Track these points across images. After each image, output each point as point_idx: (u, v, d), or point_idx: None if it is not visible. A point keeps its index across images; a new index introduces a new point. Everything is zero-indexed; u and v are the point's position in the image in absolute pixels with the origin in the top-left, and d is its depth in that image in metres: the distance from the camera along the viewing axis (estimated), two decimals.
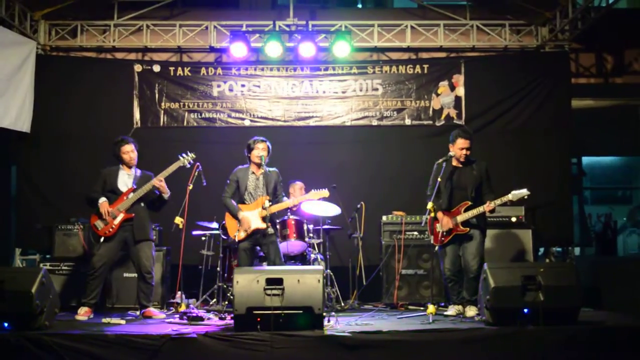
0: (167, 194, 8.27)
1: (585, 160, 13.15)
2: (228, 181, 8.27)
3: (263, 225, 7.92)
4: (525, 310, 6.62)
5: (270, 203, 7.93)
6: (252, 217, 8.01)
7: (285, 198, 8.32)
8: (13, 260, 10.53)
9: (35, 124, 10.56)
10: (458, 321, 7.43)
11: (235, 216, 8.11)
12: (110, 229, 8.03)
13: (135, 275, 8.43)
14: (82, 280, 8.13)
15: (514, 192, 7.73)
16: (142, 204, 8.25)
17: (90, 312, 7.92)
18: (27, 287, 6.56)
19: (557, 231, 10.49)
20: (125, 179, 8.28)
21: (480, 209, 7.79)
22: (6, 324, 6.52)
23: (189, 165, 8.30)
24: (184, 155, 8.34)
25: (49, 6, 10.70)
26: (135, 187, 8.22)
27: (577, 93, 11.13)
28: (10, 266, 10.23)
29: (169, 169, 8.23)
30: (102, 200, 8.09)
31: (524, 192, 7.73)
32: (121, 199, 8.13)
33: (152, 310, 8.20)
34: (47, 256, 9.92)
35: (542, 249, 10.62)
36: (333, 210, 9.16)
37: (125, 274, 8.95)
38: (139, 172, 8.39)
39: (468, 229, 7.86)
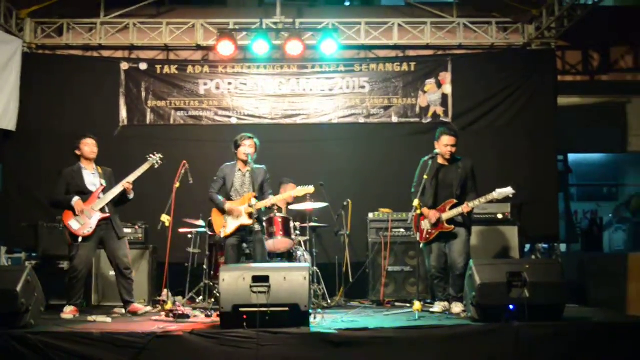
0: (131, 195, 8.26)
1: (572, 157, 13.18)
2: (215, 178, 8.30)
3: (249, 222, 7.93)
4: (511, 307, 6.65)
5: (256, 200, 7.94)
6: (240, 210, 8.03)
7: (271, 195, 8.32)
8: None
9: (21, 122, 10.54)
10: (444, 318, 7.46)
11: (222, 209, 8.14)
12: (89, 229, 7.98)
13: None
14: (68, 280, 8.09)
15: (498, 190, 7.75)
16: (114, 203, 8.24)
17: (76, 310, 7.89)
18: (12, 286, 6.55)
19: (543, 228, 10.51)
20: (91, 178, 8.22)
21: (459, 210, 7.81)
22: None
23: (157, 166, 8.29)
24: (151, 156, 8.36)
25: (35, 4, 10.66)
26: (104, 184, 8.20)
27: (564, 90, 11.17)
28: None
29: (139, 170, 8.21)
30: (77, 199, 8.00)
31: (508, 190, 7.74)
32: (93, 199, 8.08)
33: (137, 305, 8.19)
34: (33, 254, 9.89)
35: (528, 246, 10.65)
36: (319, 205, 9.15)
37: (111, 272, 8.90)
38: (99, 168, 8.35)
39: (453, 227, 7.88)
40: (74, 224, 7.97)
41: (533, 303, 6.58)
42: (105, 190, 8.15)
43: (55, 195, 8.16)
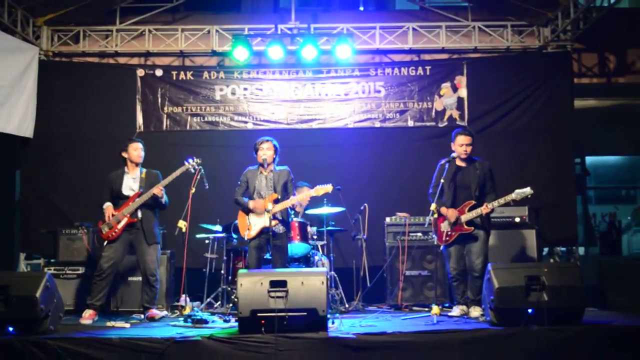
0: (164, 199, 8.30)
1: (589, 159, 13.14)
2: (239, 182, 8.38)
3: (269, 223, 7.94)
4: (530, 311, 6.61)
5: (275, 203, 7.99)
6: (261, 214, 8.07)
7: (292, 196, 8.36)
8: (18, 265, 10.56)
9: (38, 129, 10.62)
10: (462, 322, 7.41)
11: (246, 209, 8.18)
12: (114, 233, 8.06)
13: (140, 278, 8.45)
14: (86, 284, 8.14)
15: (517, 190, 7.73)
16: (148, 208, 8.27)
17: (94, 315, 7.92)
18: (31, 292, 6.59)
19: (561, 231, 10.46)
20: (130, 183, 8.29)
21: (479, 211, 7.79)
22: (11, 329, 6.54)
23: (193, 171, 8.30)
24: (189, 160, 8.32)
25: (51, 12, 10.73)
26: (141, 190, 8.23)
27: (580, 93, 11.14)
28: (14, 271, 10.28)
29: (174, 174, 8.23)
30: (107, 204, 8.14)
31: (527, 190, 7.72)
32: (127, 204, 8.16)
33: (155, 310, 8.22)
34: (52, 260, 9.93)
35: (546, 249, 10.59)
36: (336, 208, 9.15)
37: (130, 278, 8.95)
38: (144, 173, 8.40)
39: (472, 228, 7.86)
40: (103, 228, 8.10)
41: (552, 307, 6.54)
42: (140, 196, 8.19)
43: (100, 200, 8.27)
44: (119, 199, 8.20)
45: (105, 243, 8.08)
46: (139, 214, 8.18)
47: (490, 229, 8.13)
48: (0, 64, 9.80)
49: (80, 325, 7.60)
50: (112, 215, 8.07)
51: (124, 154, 8.36)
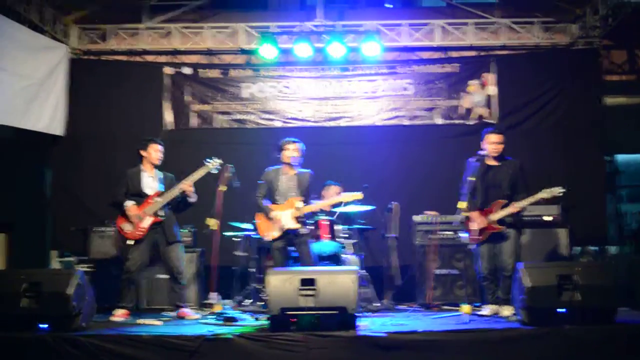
0: (193, 198, 8.29)
1: (620, 158, 12.96)
2: (259, 182, 8.31)
3: (296, 226, 7.94)
4: (562, 310, 6.56)
5: (302, 204, 7.97)
6: (284, 216, 8.04)
7: (317, 200, 8.32)
8: (49, 263, 10.64)
9: (68, 127, 10.72)
10: (493, 321, 7.37)
11: (267, 214, 8.16)
12: (139, 233, 8.06)
13: (168, 276, 8.48)
14: (117, 282, 8.18)
15: (545, 189, 7.67)
16: (169, 207, 8.29)
17: (127, 314, 7.97)
18: (63, 289, 6.65)
19: (593, 230, 10.40)
20: (149, 182, 8.28)
21: (509, 210, 7.74)
22: (44, 325, 6.59)
23: (215, 171, 8.28)
24: (209, 160, 8.30)
25: (79, 10, 10.81)
26: (161, 189, 8.26)
27: (610, 90, 11.04)
28: (47, 268, 10.36)
29: (196, 174, 8.21)
30: (131, 203, 8.09)
31: (556, 189, 7.65)
32: (147, 202, 8.14)
33: (186, 310, 8.23)
34: (84, 258, 10.00)
35: (577, 248, 10.50)
36: (365, 207, 9.13)
37: (158, 275, 8.98)
38: (160, 173, 8.42)
39: (503, 227, 7.80)
40: (126, 227, 8.08)
41: (584, 306, 6.50)
42: (161, 195, 8.20)
43: (115, 195, 8.24)
44: (138, 197, 8.17)
45: (131, 243, 8.07)
46: (163, 213, 8.21)
47: (523, 227, 8.07)
48: (30, 62, 9.86)
49: (111, 322, 7.65)
50: (135, 215, 8.07)
51: (143, 152, 8.32)
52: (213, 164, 8.27)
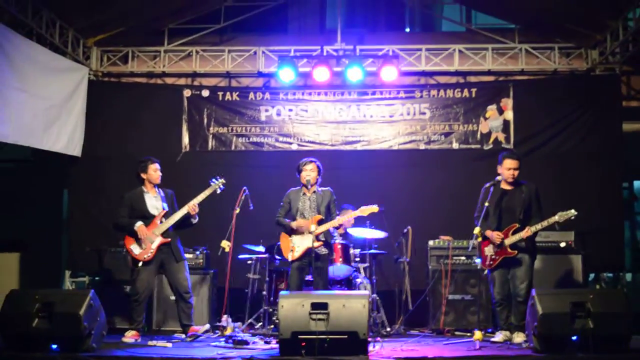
0: (195, 219, 8.34)
1: (637, 184, 12.89)
2: (282, 203, 8.42)
3: (315, 244, 7.93)
4: (574, 338, 6.50)
5: (319, 224, 7.99)
6: (305, 235, 8.07)
7: (337, 217, 8.36)
8: (63, 283, 10.71)
9: (86, 148, 10.77)
10: (505, 348, 7.33)
11: (289, 230, 8.23)
12: (149, 253, 8.10)
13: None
14: (129, 303, 8.21)
15: (560, 213, 7.62)
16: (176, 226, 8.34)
17: (137, 335, 7.99)
18: (75, 310, 6.70)
19: (608, 256, 10.26)
20: (153, 202, 8.35)
21: (522, 235, 7.70)
22: (54, 346, 6.63)
23: (219, 191, 8.33)
24: (214, 180, 8.36)
25: (101, 33, 10.92)
26: (166, 209, 8.29)
27: (629, 116, 10.94)
28: (60, 288, 10.43)
29: (202, 195, 8.27)
30: (139, 224, 8.13)
31: (571, 212, 7.60)
32: (154, 223, 8.20)
33: (196, 327, 8.26)
34: (96, 278, 10.06)
35: (592, 275, 10.41)
36: (380, 233, 9.13)
37: (172, 296, 9.00)
38: (161, 191, 8.48)
39: (516, 252, 7.75)
40: (135, 249, 8.11)
41: (597, 334, 6.43)
42: (166, 215, 8.24)
43: (118, 218, 8.31)
44: (144, 219, 8.22)
45: (140, 264, 8.11)
46: (170, 233, 8.25)
47: (536, 253, 8.02)
48: (51, 84, 9.95)
49: (122, 343, 7.68)
50: (147, 236, 8.11)
51: (143, 175, 8.39)
52: (218, 184, 8.33)
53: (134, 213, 8.25)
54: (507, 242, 7.77)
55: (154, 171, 8.39)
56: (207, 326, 8.39)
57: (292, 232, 8.28)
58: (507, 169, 7.93)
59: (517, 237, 7.74)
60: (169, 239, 8.20)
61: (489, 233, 7.86)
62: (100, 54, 11.33)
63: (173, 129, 11.15)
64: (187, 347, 7.47)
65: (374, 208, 8.23)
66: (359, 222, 8.91)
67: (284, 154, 10.95)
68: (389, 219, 9.15)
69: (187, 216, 8.27)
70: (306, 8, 12.29)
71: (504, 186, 8.00)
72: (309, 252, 8.09)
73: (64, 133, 10.28)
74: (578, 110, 10.77)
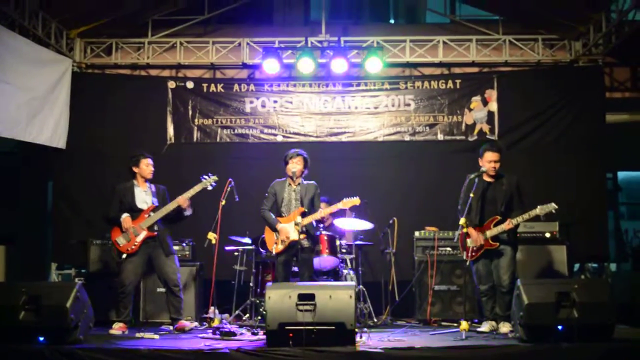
0: (189, 212, 8.34)
1: (621, 175, 12.99)
2: (266, 194, 8.38)
3: (297, 237, 7.94)
4: (559, 327, 6.55)
5: (302, 217, 7.99)
6: (289, 228, 8.07)
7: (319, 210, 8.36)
8: (49, 275, 10.67)
9: (70, 140, 10.72)
10: (491, 338, 7.35)
11: (273, 228, 8.18)
12: (133, 246, 8.10)
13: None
14: (116, 295, 8.20)
15: (540, 206, 7.67)
16: (162, 220, 8.33)
17: (124, 327, 7.99)
18: (62, 302, 6.66)
19: (593, 247, 10.35)
20: (142, 196, 8.34)
21: (503, 227, 7.74)
22: (41, 338, 6.60)
23: (210, 188, 8.33)
24: (205, 177, 8.37)
25: (84, 24, 10.85)
26: (156, 204, 8.29)
27: (612, 107, 11.02)
28: (46, 281, 10.39)
29: (192, 190, 8.28)
30: (125, 215, 8.14)
31: (551, 206, 7.65)
32: (142, 217, 8.20)
33: (184, 322, 8.26)
34: (83, 270, 10.02)
35: (577, 265, 10.49)
36: (365, 225, 9.15)
37: (159, 289, 9.01)
38: (153, 187, 8.46)
39: (498, 244, 7.81)
40: (120, 240, 8.12)
41: (582, 323, 6.48)
42: (156, 209, 8.23)
43: (109, 212, 8.30)
44: (132, 212, 8.22)
45: (124, 256, 8.11)
46: (156, 228, 8.24)
47: (519, 243, 8.06)
48: (34, 76, 9.89)
49: (109, 335, 7.67)
50: (131, 228, 8.11)
51: (135, 169, 8.38)
52: (209, 181, 8.32)
53: (123, 206, 8.24)
54: (489, 234, 7.82)
55: (146, 166, 8.38)
56: (195, 324, 8.37)
57: (275, 229, 8.26)
58: (488, 161, 7.94)
59: (498, 229, 7.79)
60: (155, 233, 8.19)
61: (471, 231, 7.87)
62: (83, 46, 11.27)
63: (158, 120, 11.11)
64: (175, 339, 7.45)
65: (356, 201, 8.23)
66: (345, 213, 8.93)
67: (269, 145, 10.94)
68: (374, 210, 9.18)
69: (179, 210, 8.26)
70: None
71: (486, 178, 8.02)
72: (293, 244, 8.09)
73: (47, 125, 10.22)
74: (562, 101, 10.82)
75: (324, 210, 8.33)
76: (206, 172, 8.48)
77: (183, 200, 8.20)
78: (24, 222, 11.40)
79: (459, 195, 8.11)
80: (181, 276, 8.50)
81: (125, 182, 8.42)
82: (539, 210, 7.68)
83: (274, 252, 8.20)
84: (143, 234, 8.15)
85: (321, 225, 8.86)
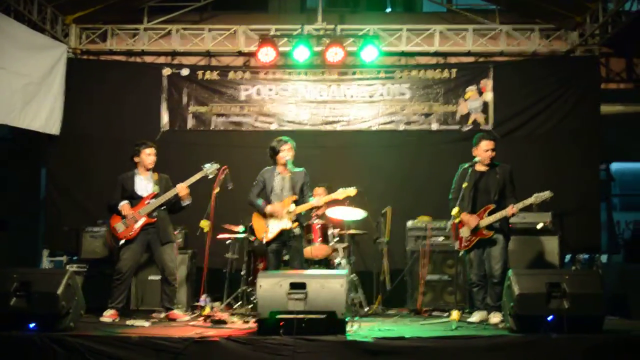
0: (188, 201, 8.33)
1: (615, 166, 12.99)
2: (255, 182, 8.35)
3: (289, 225, 7.94)
4: (550, 318, 6.57)
5: (295, 205, 7.98)
6: (281, 210, 8.07)
7: (311, 198, 8.32)
8: (41, 262, 10.68)
9: (64, 126, 10.72)
10: (482, 328, 7.38)
11: (262, 212, 8.18)
12: (131, 233, 8.11)
13: (160, 277, 8.50)
14: (107, 282, 8.21)
15: (536, 194, 7.68)
16: (163, 207, 8.31)
17: (116, 315, 7.99)
18: (53, 289, 6.67)
19: (585, 238, 10.36)
20: (143, 184, 8.35)
21: (503, 213, 7.74)
22: (32, 325, 6.60)
23: (211, 176, 8.31)
24: (207, 165, 8.35)
25: (80, 10, 10.83)
26: (156, 191, 8.29)
27: (607, 98, 11.00)
28: (37, 267, 10.40)
29: (193, 178, 8.27)
30: (124, 202, 8.16)
31: (546, 194, 7.67)
32: (142, 204, 8.21)
33: (176, 312, 8.26)
34: (74, 258, 10.02)
35: (568, 256, 10.49)
36: (359, 214, 9.14)
37: (150, 277, 9.01)
38: (155, 175, 8.46)
39: (492, 232, 7.82)
40: (118, 227, 8.13)
41: (572, 314, 6.50)
42: (156, 197, 8.24)
43: (111, 200, 8.31)
44: (132, 199, 8.24)
45: (121, 243, 8.13)
46: (156, 214, 8.24)
47: (510, 233, 8.07)
48: (29, 61, 9.86)
49: (100, 323, 7.68)
50: (128, 215, 8.11)
51: (136, 159, 8.39)
52: (210, 169, 8.30)
53: (124, 194, 8.27)
54: (483, 223, 7.82)
55: (147, 155, 8.37)
56: (187, 317, 8.35)
57: (265, 215, 8.25)
58: (485, 150, 7.95)
59: (492, 218, 7.79)
60: (154, 219, 8.19)
61: (464, 216, 7.89)
62: (79, 32, 11.25)
63: (152, 107, 11.10)
64: (165, 327, 7.47)
65: (352, 191, 8.20)
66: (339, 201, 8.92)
67: (264, 133, 10.88)
68: (368, 199, 9.16)
69: (178, 199, 8.26)
70: None
71: (479, 168, 8.03)
72: (282, 232, 8.09)
73: (42, 111, 10.21)
74: (557, 91, 10.81)
75: (320, 199, 8.31)
76: (200, 160, 8.46)
77: (182, 188, 8.19)
78: (16, 208, 11.38)
79: (452, 185, 8.13)
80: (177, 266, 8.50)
81: (127, 171, 8.42)
82: (534, 199, 7.70)
83: (264, 241, 8.15)
84: (142, 221, 8.15)
85: (313, 215, 8.84)
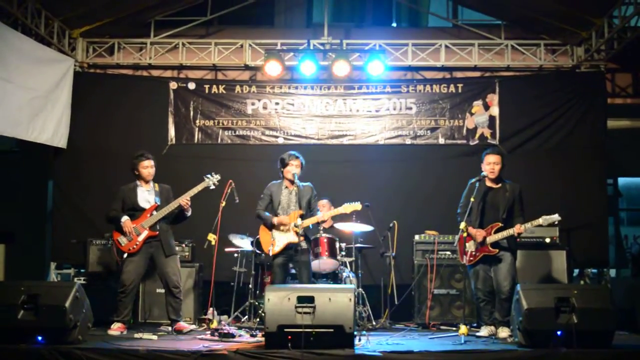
0: (189, 212, 8.33)
1: (622, 181, 12.97)
2: (262, 195, 8.35)
3: (296, 239, 7.94)
4: (559, 333, 6.55)
5: (302, 219, 7.98)
6: (286, 230, 8.07)
7: (318, 212, 8.33)
8: (48, 275, 10.66)
9: (71, 140, 10.73)
10: (490, 342, 7.36)
11: (269, 225, 8.17)
12: (135, 246, 8.11)
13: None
14: (115, 295, 8.19)
15: (544, 216, 7.67)
16: (165, 220, 8.32)
17: (123, 327, 7.98)
18: (61, 302, 6.67)
19: (592, 252, 10.36)
20: (145, 196, 8.35)
21: (510, 232, 7.74)
22: (40, 338, 6.60)
23: (213, 187, 8.33)
24: (209, 176, 8.37)
25: (87, 24, 10.86)
26: (158, 203, 8.29)
27: (613, 113, 11.01)
28: (45, 280, 10.39)
29: (195, 189, 8.28)
30: (125, 218, 8.15)
31: (555, 217, 7.67)
32: (144, 216, 8.21)
33: (183, 324, 8.25)
34: (82, 270, 10.02)
35: (576, 271, 10.47)
36: (365, 227, 9.14)
37: (158, 290, 8.99)
38: (157, 186, 8.46)
39: (497, 250, 7.81)
40: (122, 240, 8.13)
41: (581, 329, 6.48)
42: (158, 209, 8.23)
43: (110, 211, 8.31)
44: (134, 211, 8.24)
45: (125, 256, 8.12)
46: (158, 227, 8.23)
47: (519, 249, 8.06)
48: (36, 75, 9.88)
49: (108, 336, 7.67)
50: (132, 229, 8.10)
51: (135, 172, 8.39)
52: (212, 180, 8.31)
53: (126, 206, 8.27)
54: (489, 240, 7.82)
55: (144, 168, 8.36)
56: (193, 326, 8.35)
57: (272, 226, 8.25)
58: (488, 163, 7.99)
59: (499, 235, 7.79)
60: (157, 232, 8.19)
61: (472, 230, 7.89)
62: (86, 45, 11.28)
63: (159, 121, 11.11)
64: (174, 340, 7.45)
65: (357, 206, 8.19)
66: (346, 216, 8.91)
67: (270, 147, 10.90)
68: (374, 213, 9.16)
69: (180, 210, 8.26)
70: (293, 1, 12.25)
71: (489, 183, 8.04)
72: (289, 246, 8.08)
73: (49, 124, 10.22)
74: (563, 106, 10.82)
75: (325, 214, 8.31)
76: (208, 173, 8.47)
77: (184, 200, 8.20)
78: (23, 221, 11.39)
79: (460, 200, 8.13)
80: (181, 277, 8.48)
81: (130, 183, 8.42)
82: (542, 221, 7.69)
83: (270, 254, 8.15)
84: (145, 234, 8.15)
85: (321, 228, 8.84)
